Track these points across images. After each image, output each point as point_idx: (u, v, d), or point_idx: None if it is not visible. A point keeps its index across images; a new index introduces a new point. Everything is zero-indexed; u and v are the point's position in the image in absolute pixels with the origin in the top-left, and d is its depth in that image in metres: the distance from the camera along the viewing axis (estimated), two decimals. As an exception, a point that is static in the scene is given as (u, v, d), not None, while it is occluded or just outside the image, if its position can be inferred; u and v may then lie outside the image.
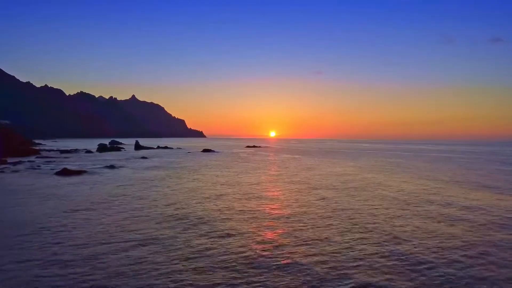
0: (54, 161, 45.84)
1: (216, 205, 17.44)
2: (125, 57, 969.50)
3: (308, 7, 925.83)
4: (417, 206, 17.45)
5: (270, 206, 17.38)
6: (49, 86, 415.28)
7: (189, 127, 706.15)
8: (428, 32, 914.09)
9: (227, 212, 15.85)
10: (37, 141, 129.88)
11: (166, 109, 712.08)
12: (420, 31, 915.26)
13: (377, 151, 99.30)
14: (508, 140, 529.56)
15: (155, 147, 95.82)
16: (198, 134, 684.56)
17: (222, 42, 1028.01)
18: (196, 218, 14.49)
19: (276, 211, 16.18)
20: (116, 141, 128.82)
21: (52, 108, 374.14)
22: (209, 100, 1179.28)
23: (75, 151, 72.35)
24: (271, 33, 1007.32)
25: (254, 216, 15.12)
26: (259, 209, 16.66)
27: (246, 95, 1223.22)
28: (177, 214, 15.32)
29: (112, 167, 37.70)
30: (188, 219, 14.41)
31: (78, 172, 30.92)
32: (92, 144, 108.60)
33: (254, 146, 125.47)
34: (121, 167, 38.50)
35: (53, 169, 33.55)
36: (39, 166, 37.57)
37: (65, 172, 30.12)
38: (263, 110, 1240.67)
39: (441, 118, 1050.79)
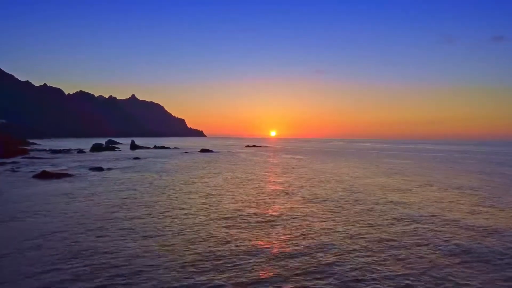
0: (40, 162, 43.13)
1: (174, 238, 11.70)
2: (124, 56, 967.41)
3: (308, 7, 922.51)
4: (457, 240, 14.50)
5: (240, 234, 12.09)
6: (48, 85, 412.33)
7: (189, 127, 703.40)
8: (429, 32, 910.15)
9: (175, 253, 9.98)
10: (32, 141, 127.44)
11: (166, 108, 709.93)
12: (421, 31, 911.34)
13: (380, 151, 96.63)
14: (510, 140, 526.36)
15: (152, 147, 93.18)
16: (198, 134, 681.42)
17: (222, 42, 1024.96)
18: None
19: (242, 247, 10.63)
20: (113, 141, 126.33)
21: (51, 108, 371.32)
22: (209, 100, 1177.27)
23: (67, 151, 69.67)
24: (271, 33, 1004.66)
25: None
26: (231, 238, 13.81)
27: (247, 95, 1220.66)
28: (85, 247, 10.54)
29: (99, 169, 34.99)
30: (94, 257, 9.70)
31: (58, 175, 28.21)
32: (90, 143, 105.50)
33: (254, 146, 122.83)
34: (109, 168, 35.79)
35: (33, 171, 30.82)
36: (19, 167, 34.89)
37: (43, 175, 27.43)
38: (264, 109, 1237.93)
39: (442, 118, 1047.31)
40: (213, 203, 17.76)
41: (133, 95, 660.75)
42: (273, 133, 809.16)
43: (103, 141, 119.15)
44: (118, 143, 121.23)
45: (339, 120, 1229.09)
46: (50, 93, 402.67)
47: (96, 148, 74.87)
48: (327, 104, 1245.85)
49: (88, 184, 24.51)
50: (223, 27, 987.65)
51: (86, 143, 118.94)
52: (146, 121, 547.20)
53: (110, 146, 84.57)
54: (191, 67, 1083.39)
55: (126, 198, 19.09)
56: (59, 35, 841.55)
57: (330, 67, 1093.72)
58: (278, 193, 21.26)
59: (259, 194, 20.83)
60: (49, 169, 34.72)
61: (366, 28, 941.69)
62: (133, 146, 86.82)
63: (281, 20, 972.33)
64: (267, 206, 17.34)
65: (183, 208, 16.48)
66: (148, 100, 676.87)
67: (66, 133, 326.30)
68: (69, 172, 31.47)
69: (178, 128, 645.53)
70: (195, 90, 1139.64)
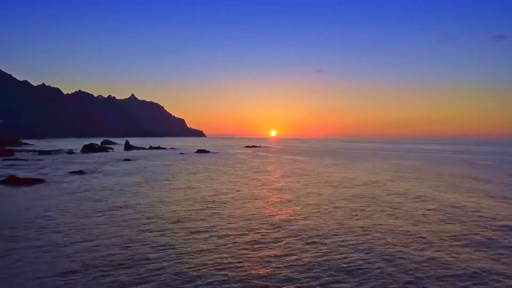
0: (20, 164, 40.12)
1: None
2: (124, 56, 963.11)
3: (308, 6, 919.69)
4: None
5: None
6: (46, 85, 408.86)
7: (189, 127, 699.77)
8: (429, 31, 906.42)
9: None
10: (26, 141, 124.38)
11: (165, 108, 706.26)
12: (421, 30, 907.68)
13: (383, 151, 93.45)
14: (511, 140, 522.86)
15: (147, 147, 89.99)
16: (198, 134, 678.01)
17: (222, 42, 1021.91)
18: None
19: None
20: (109, 141, 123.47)
21: (50, 108, 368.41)
22: (209, 100, 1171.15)
23: (58, 151, 66.60)
24: (271, 33, 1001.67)
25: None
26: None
27: (247, 95, 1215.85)
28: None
29: (80, 172, 31.89)
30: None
31: (28, 181, 25.04)
32: (86, 143, 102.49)
33: (253, 146, 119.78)
34: (92, 172, 32.68)
35: (4, 176, 27.69)
36: (-8, 171, 31.79)
37: (10, 181, 24.31)
38: (264, 109, 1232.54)
39: (443, 118, 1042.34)
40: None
41: (132, 95, 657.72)
42: (273, 133, 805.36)
43: (100, 141, 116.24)
44: (113, 143, 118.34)
45: (339, 120, 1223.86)
46: (49, 93, 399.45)
47: (88, 148, 71.84)
48: (327, 104, 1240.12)
49: (54, 192, 21.34)
50: (223, 27, 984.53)
51: (83, 143, 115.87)
52: (145, 121, 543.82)
53: (103, 147, 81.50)
54: (191, 67, 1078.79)
55: (70, 220, 15.94)
56: (58, 35, 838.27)
57: (330, 67, 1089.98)
58: (265, 223, 14.30)
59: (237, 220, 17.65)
60: (27, 173, 31.88)
61: (366, 27, 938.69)
62: (127, 147, 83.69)
63: (281, 20, 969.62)
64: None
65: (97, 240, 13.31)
66: (148, 100, 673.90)
67: (65, 133, 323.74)
68: (44, 176, 28.39)
69: (178, 128, 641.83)
70: (195, 90, 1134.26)
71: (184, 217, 14.90)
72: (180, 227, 13.28)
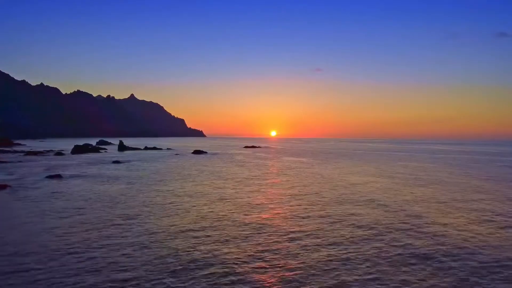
0: (-2, 167, 36.95)
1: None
2: (123, 56, 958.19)
3: (307, 5, 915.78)
4: None
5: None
6: (45, 84, 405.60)
7: (189, 126, 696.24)
8: (431, 29, 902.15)
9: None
10: (19, 141, 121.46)
11: (165, 108, 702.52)
12: (422, 29, 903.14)
13: (387, 151, 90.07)
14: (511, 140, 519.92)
15: (142, 148, 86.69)
16: (198, 134, 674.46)
17: (221, 42, 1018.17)
18: None
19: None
20: (104, 141, 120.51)
21: (48, 107, 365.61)
22: (209, 100, 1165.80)
23: (47, 152, 63.46)
24: (270, 32, 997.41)
25: None
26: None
27: (247, 94, 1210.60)
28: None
29: (58, 177, 28.66)
30: None
31: (-8, 188, 21.83)
32: (83, 143, 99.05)
33: (253, 147, 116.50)
34: (71, 176, 29.44)
35: (-31, 181, 24.48)
36: (-41, 176, 28.58)
37: (-31, 188, 21.09)
38: (264, 109, 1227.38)
39: (444, 117, 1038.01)
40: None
41: (132, 95, 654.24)
42: (273, 133, 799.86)
43: (97, 141, 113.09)
44: (109, 143, 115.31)
45: (339, 120, 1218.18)
46: (47, 92, 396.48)
47: (79, 149, 68.45)
48: (326, 103, 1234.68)
49: (13, 201, 18.04)
50: (222, 27, 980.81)
51: (79, 143, 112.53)
52: (145, 121, 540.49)
53: (96, 147, 78.31)
54: (191, 66, 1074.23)
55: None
56: (57, 34, 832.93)
57: (329, 66, 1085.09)
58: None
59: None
60: (1, 176, 28.82)
61: (366, 25, 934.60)
62: (121, 147, 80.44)
63: (280, 19, 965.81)
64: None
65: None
66: (147, 100, 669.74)
67: (65, 133, 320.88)
68: (15, 182, 25.21)
69: (177, 128, 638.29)
70: (195, 90, 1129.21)
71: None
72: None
